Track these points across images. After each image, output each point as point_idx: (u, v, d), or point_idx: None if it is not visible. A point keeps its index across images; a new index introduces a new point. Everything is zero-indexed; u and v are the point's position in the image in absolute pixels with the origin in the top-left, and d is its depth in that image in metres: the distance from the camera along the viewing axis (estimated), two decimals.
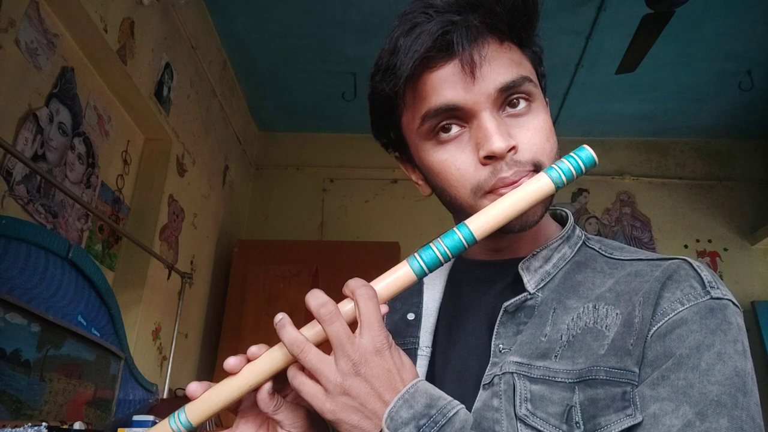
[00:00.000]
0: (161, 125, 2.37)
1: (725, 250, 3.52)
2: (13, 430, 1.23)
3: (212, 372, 2.85)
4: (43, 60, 1.74)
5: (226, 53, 3.12)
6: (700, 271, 0.53)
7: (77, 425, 1.49)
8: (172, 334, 2.47)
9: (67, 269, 1.74)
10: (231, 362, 0.52)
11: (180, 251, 2.59)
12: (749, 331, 3.29)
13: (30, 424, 1.28)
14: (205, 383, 0.54)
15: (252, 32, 2.94)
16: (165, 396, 2.35)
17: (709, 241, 3.55)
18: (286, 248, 3.16)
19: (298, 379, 0.50)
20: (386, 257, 2.84)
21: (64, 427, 1.48)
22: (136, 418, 1.72)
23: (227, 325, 2.92)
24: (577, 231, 0.64)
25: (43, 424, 1.30)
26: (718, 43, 2.92)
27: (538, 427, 0.49)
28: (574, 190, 3.70)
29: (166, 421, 0.52)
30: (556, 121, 3.56)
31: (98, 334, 1.85)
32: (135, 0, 2.10)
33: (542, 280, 0.58)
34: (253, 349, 0.53)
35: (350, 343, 0.48)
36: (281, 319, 0.51)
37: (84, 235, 1.99)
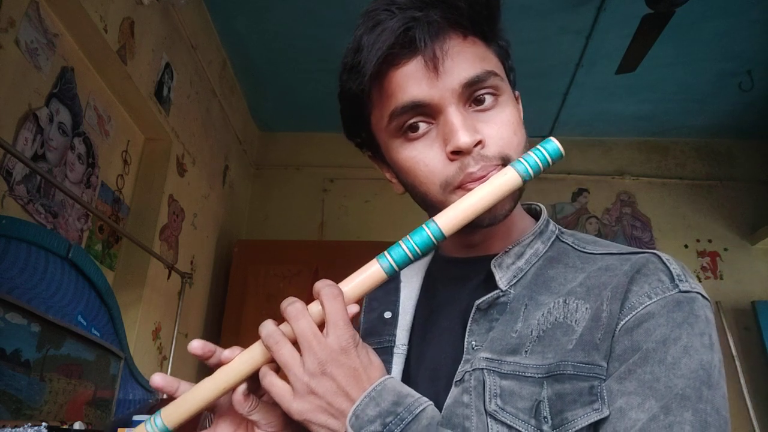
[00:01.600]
0: (161, 125, 2.37)
1: (725, 250, 3.52)
2: (13, 430, 1.23)
3: (211, 371, 2.84)
4: (43, 60, 1.74)
5: (226, 53, 3.12)
6: (669, 265, 0.53)
7: (77, 425, 1.49)
8: (172, 334, 2.47)
9: (67, 269, 1.74)
10: (195, 344, 0.53)
11: (180, 251, 2.59)
12: (749, 330, 3.32)
13: (30, 424, 1.28)
14: (170, 377, 0.54)
15: (252, 32, 2.94)
16: (165, 396, 2.35)
17: (710, 241, 3.55)
18: (286, 248, 3.16)
19: (267, 379, 0.51)
20: None
21: (64, 427, 1.48)
22: (136, 418, 1.72)
23: (227, 325, 2.92)
24: (551, 225, 0.64)
25: (43, 424, 1.30)
26: (718, 44, 2.92)
27: (508, 422, 0.49)
28: (574, 190, 3.70)
29: (142, 426, 0.52)
30: (555, 120, 3.56)
31: (98, 334, 1.85)
32: (135, 0, 2.10)
33: (514, 276, 0.58)
34: (226, 353, 0.53)
35: (317, 342, 0.49)
36: (266, 321, 0.52)
37: (84, 235, 1.99)
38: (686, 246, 3.54)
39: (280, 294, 2.83)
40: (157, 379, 0.53)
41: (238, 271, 3.03)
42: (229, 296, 3.01)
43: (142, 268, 2.23)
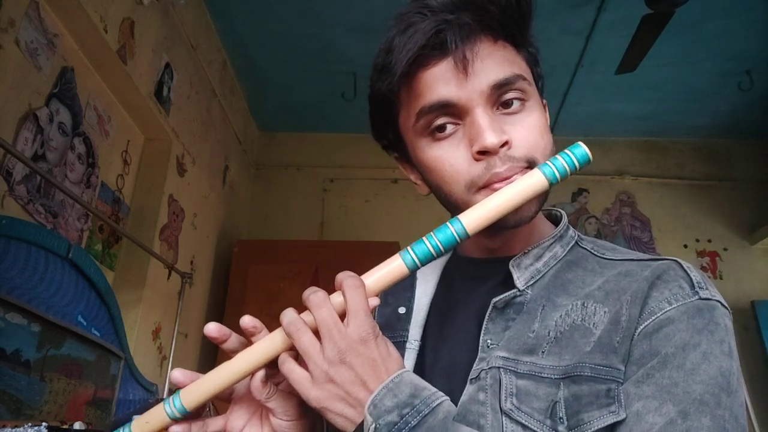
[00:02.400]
0: (161, 125, 2.37)
1: (725, 250, 3.53)
2: (13, 430, 1.23)
3: (214, 366, 2.84)
4: (43, 60, 1.74)
5: (226, 53, 3.12)
6: (689, 272, 0.53)
7: (77, 425, 1.49)
8: (172, 334, 2.47)
9: (67, 269, 1.74)
10: (211, 327, 0.54)
11: (180, 251, 2.59)
12: (749, 330, 3.32)
13: (30, 424, 1.28)
14: (190, 372, 0.55)
15: (252, 32, 2.94)
16: (165, 396, 2.35)
17: (709, 241, 3.55)
18: (286, 248, 3.16)
19: (286, 366, 0.51)
20: (386, 257, 2.83)
21: (64, 427, 1.48)
22: (136, 418, 1.72)
23: (227, 325, 2.89)
24: (570, 231, 0.64)
25: (43, 424, 1.30)
26: (718, 43, 2.92)
27: (523, 421, 0.49)
28: (574, 190, 3.70)
29: (161, 405, 0.53)
30: (555, 120, 3.56)
31: (98, 334, 1.85)
32: (135, 0, 2.10)
33: (532, 277, 0.58)
34: (245, 319, 0.54)
35: (337, 331, 0.49)
36: (287, 309, 0.52)
37: (84, 235, 1.99)
38: (686, 246, 3.54)
39: (280, 294, 2.83)
40: (177, 374, 0.54)
41: (238, 271, 3.03)
42: (229, 296, 3.01)
43: (142, 268, 2.23)
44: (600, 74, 3.15)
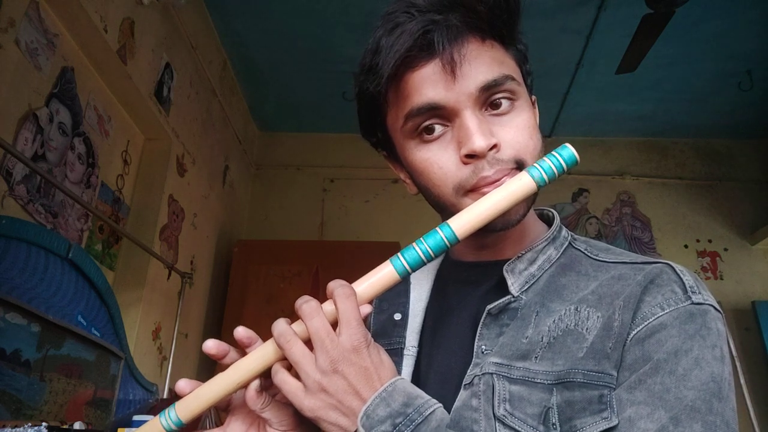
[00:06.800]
0: (161, 125, 2.37)
1: (725, 250, 3.52)
2: (13, 430, 1.23)
3: (212, 372, 2.84)
4: (43, 60, 1.74)
5: (226, 53, 3.12)
6: (682, 276, 0.53)
7: (77, 425, 1.49)
8: (172, 334, 2.47)
9: (67, 269, 1.74)
10: (209, 344, 0.54)
11: (180, 251, 2.59)
12: (750, 331, 3.32)
13: (30, 424, 1.28)
14: (194, 381, 0.54)
15: (252, 32, 2.94)
16: (165, 396, 2.35)
17: (710, 241, 3.55)
18: (286, 248, 3.16)
19: (279, 376, 0.51)
20: (386, 257, 2.83)
21: (64, 427, 1.48)
22: (136, 418, 1.72)
23: (227, 325, 2.92)
24: (563, 231, 0.64)
25: (43, 424, 1.30)
26: (718, 44, 2.92)
27: (516, 427, 0.49)
28: (574, 190, 3.70)
29: (156, 418, 0.53)
30: (556, 120, 3.56)
31: (98, 334, 1.85)
32: (135, 0, 2.10)
33: (526, 282, 0.58)
34: (239, 331, 0.53)
35: (329, 340, 0.49)
36: (278, 319, 0.52)
37: (84, 235, 1.99)
38: (686, 246, 3.54)
39: (281, 294, 2.83)
40: (183, 384, 0.54)
41: (238, 271, 3.03)
42: (229, 296, 3.01)
43: (142, 268, 2.23)
44: (600, 74, 3.15)
